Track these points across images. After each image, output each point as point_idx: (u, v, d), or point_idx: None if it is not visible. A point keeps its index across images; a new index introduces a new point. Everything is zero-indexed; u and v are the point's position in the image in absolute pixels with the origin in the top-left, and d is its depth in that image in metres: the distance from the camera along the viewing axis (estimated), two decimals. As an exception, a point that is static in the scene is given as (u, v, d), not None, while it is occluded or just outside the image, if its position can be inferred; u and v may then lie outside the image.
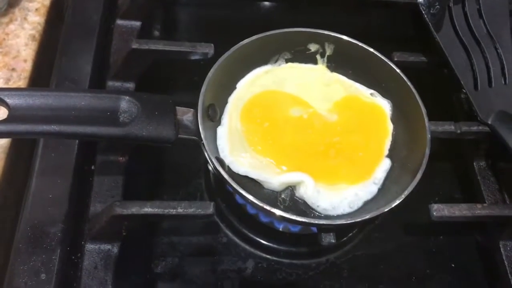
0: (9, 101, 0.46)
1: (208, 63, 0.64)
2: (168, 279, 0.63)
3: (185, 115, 0.55)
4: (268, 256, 0.65)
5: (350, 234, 0.67)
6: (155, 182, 0.69)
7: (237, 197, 0.63)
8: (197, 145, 0.61)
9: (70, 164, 0.61)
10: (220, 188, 0.68)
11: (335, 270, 0.65)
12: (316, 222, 0.52)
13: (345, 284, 0.64)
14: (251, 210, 0.63)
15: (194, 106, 0.58)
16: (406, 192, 0.53)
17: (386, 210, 0.52)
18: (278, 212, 0.50)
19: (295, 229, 0.62)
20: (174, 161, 0.71)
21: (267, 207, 0.50)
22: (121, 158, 0.63)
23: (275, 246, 0.65)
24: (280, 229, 0.64)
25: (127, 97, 0.51)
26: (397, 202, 0.53)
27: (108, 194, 0.61)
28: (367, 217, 0.51)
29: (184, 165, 0.71)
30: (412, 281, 0.66)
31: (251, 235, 0.66)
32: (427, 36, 0.79)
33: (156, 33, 0.78)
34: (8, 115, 0.47)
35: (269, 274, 0.64)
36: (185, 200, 0.55)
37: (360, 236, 0.67)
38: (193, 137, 0.54)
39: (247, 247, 0.66)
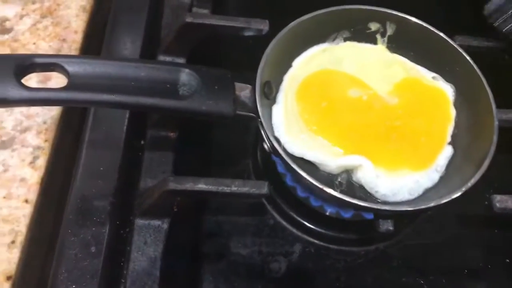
0: (69, 68, 0.45)
1: (258, 40, 0.62)
2: (215, 258, 0.62)
3: (242, 91, 0.53)
4: (316, 241, 0.64)
5: (402, 222, 0.64)
6: (203, 160, 0.68)
7: (288, 179, 0.62)
8: (247, 123, 0.60)
9: (120, 137, 0.60)
10: (268, 169, 0.67)
11: (384, 259, 0.63)
12: (378, 207, 0.50)
13: (395, 274, 0.63)
14: (302, 194, 0.61)
15: (251, 83, 0.56)
16: (472, 182, 0.50)
17: (451, 199, 0.49)
18: (340, 195, 0.48)
19: (346, 215, 0.61)
20: (222, 139, 0.70)
21: (327, 189, 0.48)
22: (171, 133, 0.61)
23: (323, 231, 0.64)
24: (330, 214, 0.62)
25: (187, 69, 0.49)
26: (461, 191, 0.50)
27: (159, 169, 0.60)
28: (431, 205, 0.49)
29: (231, 144, 0.70)
30: (464, 275, 0.64)
31: (299, 219, 0.65)
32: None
33: (206, 9, 0.75)
34: (68, 82, 0.46)
35: (316, 260, 0.63)
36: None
37: (412, 226, 0.65)
38: (251, 114, 0.53)
39: (294, 230, 0.64)
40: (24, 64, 0.45)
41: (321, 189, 0.49)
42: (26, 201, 0.56)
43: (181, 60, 0.67)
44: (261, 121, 0.53)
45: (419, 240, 0.65)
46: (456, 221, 0.67)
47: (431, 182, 0.55)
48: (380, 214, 0.52)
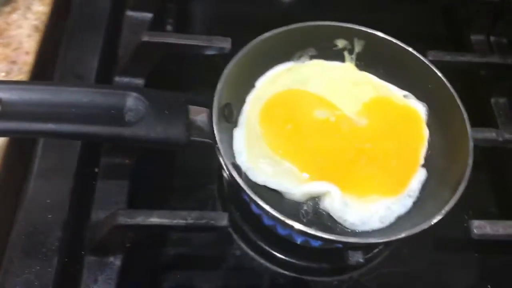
0: (1, 95, 0.40)
1: (223, 59, 0.59)
2: (176, 295, 0.57)
3: (198, 115, 0.49)
4: (286, 272, 0.59)
5: (376, 250, 0.60)
6: (163, 188, 0.63)
7: (254, 206, 0.57)
8: (211, 149, 0.56)
9: (71, 166, 0.56)
10: (234, 195, 0.62)
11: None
12: (345, 240, 0.46)
13: (370, 305, 0.58)
14: (268, 222, 0.57)
15: (208, 106, 0.52)
16: (447, 209, 0.47)
17: (425, 228, 0.46)
18: (302, 228, 0.44)
19: (316, 243, 0.56)
20: (184, 164, 0.65)
21: (289, 222, 0.44)
22: (127, 160, 0.57)
23: (293, 261, 0.60)
24: (300, 243, 0.57)
25: (134, 93, 0.45)
26: (437, 219, 0.46)
27: (112, 200, 0.55)
28: (403, 235, 0.45)
29: (194, 169, 0.66)
30: (443, 304, 0.60)
31: (267, 248, 0.60)
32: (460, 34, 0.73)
33: (169, 27, 0.72)
34: (0, 111, 0.41)
35: (287, 292, 0.58)
36: (195, 209, 0.49)
37: (387, 252, 0.61)
38: (207, 140, 0.49)
39: (262, 261, 0.60)
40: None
41: (284, 222, 0.44)
42: (-35, 239, 0.52)
43: (140, 81, 0.64)
44: (218, 148, 0.49)
45: (395, 267, 0.61)
46: (434, 245, 0.63)
47: (404, 208, 0.52)
48: (349, 246, 0.48)
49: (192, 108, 0.49)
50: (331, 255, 0.60)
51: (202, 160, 0.66)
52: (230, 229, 0.60)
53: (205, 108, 0.51)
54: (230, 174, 0.48)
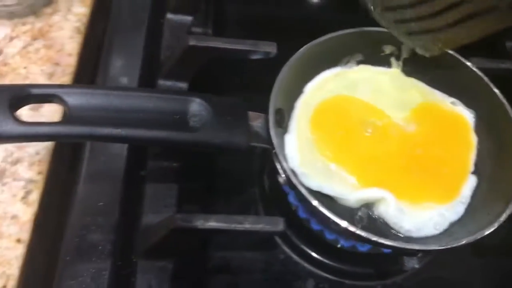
0: (68, 99, 0.41)
1: (261, 63, 0.59)
2: (222, 298, 0.57)
3: (255, 120, 0.50)
4: (330, 276, 0.60)
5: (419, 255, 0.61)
6: (207, 191, 0.63)
7: (300, 211, 0.58)
8: (252, 152, 0.56)
9: (120, 168, 0.55)
10: (276, 199, 0.63)
11: (402, 293, 0.59)
12: (409, 247, 0.46)
13: (413, 309, 0.59)
14: (316, 226, 0.57)
15: (256, 109, 0.52)
16: (503, 218, 0.47)
17: (485, 234, 0.46)
18: (369, 235, 0.44)
19: (363, 248, 0.57)
20: (226, 167, 0.65)
21: (358, 231, 0.44)
22: (174, 163, 0.57)
23: (337, 265, 0.60)
24: (346, 248, 0.58)
25: (198, 99, 0.45)
26: (493, 227, 0.47)
27: (162, 203, 0.55)
28: (463, 242, 0.45)
29: (236, 173, 0.66)
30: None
31: (311, 253, 0.60)
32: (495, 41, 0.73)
33: (208, 30, 0.72)
34: (67, 115, 0.41)
35: (330, 296, 0.58)
36: (237, 213, 0.50)
37: (429, 258, 0.61)
38: (265, 145, 0.49)
39: (306, 265, 0.60)
40: (20, 96, 0.40)
41: (346, 229, 0.45)
42: (19, 240, 0.52)
43: (183, 85, 0.64)
44: (276, 153, 0.49)
45: (439, 272, 0.61)
46: (474, 251, 0.63)
47: (456, 215, 0.52)
48: (406, 252, 0.48)
49: (250, 114, 0.50)
50: (375, 259, 0.61)
51: (242, 163, 0.66)
52: (274, 233, 0.60)
53: (262, 114, 0.51)
54: (288, 178, 0.48)
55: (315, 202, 0.46)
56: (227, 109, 0.47)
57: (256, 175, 0.65)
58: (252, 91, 0.66)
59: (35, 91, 0.41)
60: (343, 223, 0.45)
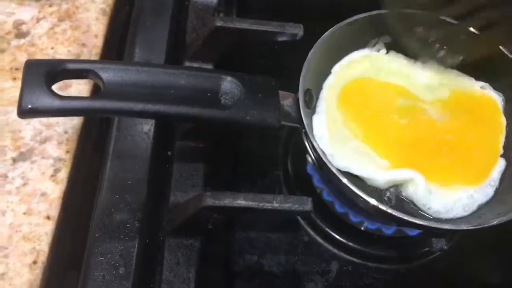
0: (103, 75, 0.41)
1: (288, 46, 0.58)
2: (247, 277, 0.58)
3: (285, 99, 0.49)
4: (354, 259, 0.60)
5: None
6: (232, 172, 0.63)
7: (325, 193, 0.58)
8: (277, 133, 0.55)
9: (147, 148, 0.56)
10: (300, 182, 0.62)
11: (427, 276, 0.59)
12: (442, 226, 0.46)
13: (438, 291, 0.58)
14: (340, 209, 0.57)
15: (286, 89, 0.52)
16: None
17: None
18: (401, 215, 0.44)
19: (388, 231, 0.56)
20: (251, 149, 0.65)
21: (383, 207, 0.44)
22: (201, 144, 0.57)
23: (362, 248, 0.60)
24: (369, 231, 0.58)
25: (229, 77, 0.45)
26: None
27: (189, 183, 0.55)
28: (495, 222, 0.45)
29: (261, 155, 0.66)
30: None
31: (335, 235, 0.60)
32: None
33: (233, 13, 0.71)
34: (103, 90, 0.41)
35: (355, 278, 0.58)
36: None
37: (451, 243, 0.61)
38: (295, 124, 0.49)
39: (330, 247, 0.60)
40: (56, 71, 0.40)
41: (376, 207, 0.44)
42: (48, 217, 0.52)
43: (209, 66, 0.63)
44: (306, 132, 0.49)
45: (462, 259, 0.61)
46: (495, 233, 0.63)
47: (485, 197, 0.51)
48: (435, 232, 0.48)
49: (280, 93, 0.49)
50: (399, 243, 0.60)
51: (267, 146, 0.66)
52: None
53: (292, 94, 0.51)
54: (318, 158, 0.48)
55: (344, 180, 0.46)
56: (258, 87, 0.47)
57: (280, 158, 0.65)
58: (279, 73, 0.66)
59: (71, 66, 0.41)
60: (374, 201, 0.45)
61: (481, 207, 0.51)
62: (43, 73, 0.39)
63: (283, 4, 0.76)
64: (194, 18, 0.68)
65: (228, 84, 0.45)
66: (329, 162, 0.48)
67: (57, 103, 0.39)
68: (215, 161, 0.59)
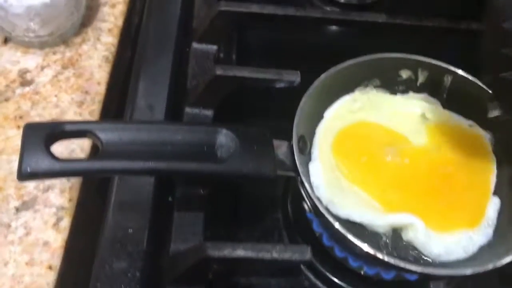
0: (101, 135, 0.41)
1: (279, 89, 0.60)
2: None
3: (280, 148, 0.49)
4: (353, 302, 0.58)
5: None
6: (231, 217, 0.63)
7: (324, 238, 0.57)
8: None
9: (148, 196, 0.55)
10: (300, 225, 0.62)
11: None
12: (440, 273, 0.45)
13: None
14: (340, 253, 0.57)
15: (282, 136, 0.53)
16: None
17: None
18: (399, 263, 0.43)
19: (387, 276, 0.56)
20: (251, 193, 0.65)
21: (380, 256, 0.44)
22: (202, 191, 0.57)
23: (361, 292, 0.59)
24: (371, 275, 0.57)
25: (224, 130, 0.45)
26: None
27: (189, 231, 0.55)
28: (491, 267, 0.44)
29: (260, 198, 0.65)
30: None
31: (336, 280, 0.59)
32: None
33: (232, 56, 0.72)
34: (101, 151, 0.41)
35: (357, 325, 0.57)
36: (261, 239, 0.49)
37: (456, 282, 0.60)
38: (291, 173, 0.49)
39: (330, 292, 0.59)
40: (55, 133, 0.41)
41: (373, 255, 0.44)
42: (50, 267, 0.52)
43: (209, 112, 0.64)
44: (301, 180, 0.49)
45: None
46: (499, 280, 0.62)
47: (486, 238, 0.50)
48: (433, 277, 0.48)
49: (275, 142, 0.50)
50: (400, 286, 0.60)
51: (266, 189, 0.66)
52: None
53: (286, 142, 0.51)
54: (315, 206, 0.48)
55: (343, 230, 0.46)
56: (253, 139, 0.46)
57: (279, 201, 0.65)
58: (274, 113, 0.66)
59: (70, 127, 0.41)
60: (370, 250, 0.44)
61: (483, 248, 0.50)
62: (42, 136, 0.39)
63: (281, 48, 0.77)
64: (195, 64, 0.68)
65: (224, 137, 0.46)
66: (326, 211, 0.48)
67: (56, 166, 0.39)
68: (215, 206, 0.60)
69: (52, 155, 0.38)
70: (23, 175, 0.37)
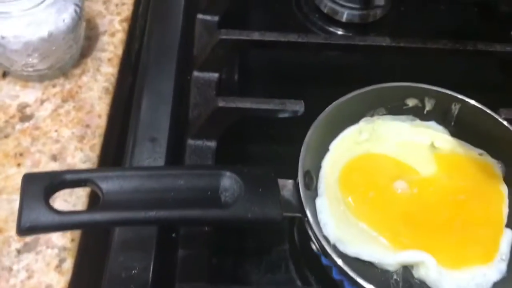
0: (102, 185, 0.40)
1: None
2: None
3: (285, 188, 0.48)
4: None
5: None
6: (235, 250, 0.62)
7: (334, 272, 0.56)
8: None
9: (151, 235, 0.54)
10: (308, 257, 0.61)
11: None
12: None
13: None
14: (350, 288, 0.55)
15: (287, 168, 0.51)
16: None
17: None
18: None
19: (398, 314, 0.54)
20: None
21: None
22: (207, 228, 0.56)
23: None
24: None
25: (228, 172, 0.43)
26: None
27: (194, 273, 0.54)
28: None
29: (266, 229, 0.64)
30: None
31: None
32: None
33: (234, 83, 0.71)
34: (102, 201, 0.40)
35: None
36: (268, 272, 0.48)
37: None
38: (297, 214, 0.47)
39: (341, 327, 0.57)
40: (54, 183, 0.40)
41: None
42: (53, 312, 0.51)
43: (212, 143, 0.62)
44: (308, 221, 0.47)
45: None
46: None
47: (499, 274, 0.48)
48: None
49: (280, 182, 0.48)
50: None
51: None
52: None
53: (291, 181, 0.49)
54: (324, 250, 0.47)
55: (351, 273, 0.44)
56: (258, 181, 0.45)
57: (286, 231, 0.64)
58: (278, 141, 0.65)
59: (70, 177, 0.40)
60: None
61: (497, 284, 0.49)
62: (41, 187, 0.38)
63: (284, 74, 0.76)
64: (197, 93, 0.67)
65: (228, 180, 0.44)
66: (334, 252, 0.47)
67: (56, 220, 0.38)
68: (220, 241, 0.58)
69: (52, 208, 0.37)
70: (22, 230, 0.36)
